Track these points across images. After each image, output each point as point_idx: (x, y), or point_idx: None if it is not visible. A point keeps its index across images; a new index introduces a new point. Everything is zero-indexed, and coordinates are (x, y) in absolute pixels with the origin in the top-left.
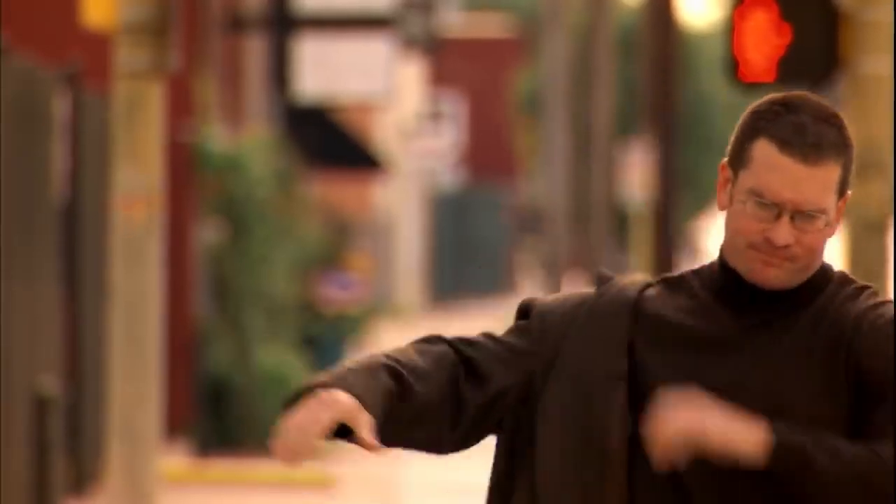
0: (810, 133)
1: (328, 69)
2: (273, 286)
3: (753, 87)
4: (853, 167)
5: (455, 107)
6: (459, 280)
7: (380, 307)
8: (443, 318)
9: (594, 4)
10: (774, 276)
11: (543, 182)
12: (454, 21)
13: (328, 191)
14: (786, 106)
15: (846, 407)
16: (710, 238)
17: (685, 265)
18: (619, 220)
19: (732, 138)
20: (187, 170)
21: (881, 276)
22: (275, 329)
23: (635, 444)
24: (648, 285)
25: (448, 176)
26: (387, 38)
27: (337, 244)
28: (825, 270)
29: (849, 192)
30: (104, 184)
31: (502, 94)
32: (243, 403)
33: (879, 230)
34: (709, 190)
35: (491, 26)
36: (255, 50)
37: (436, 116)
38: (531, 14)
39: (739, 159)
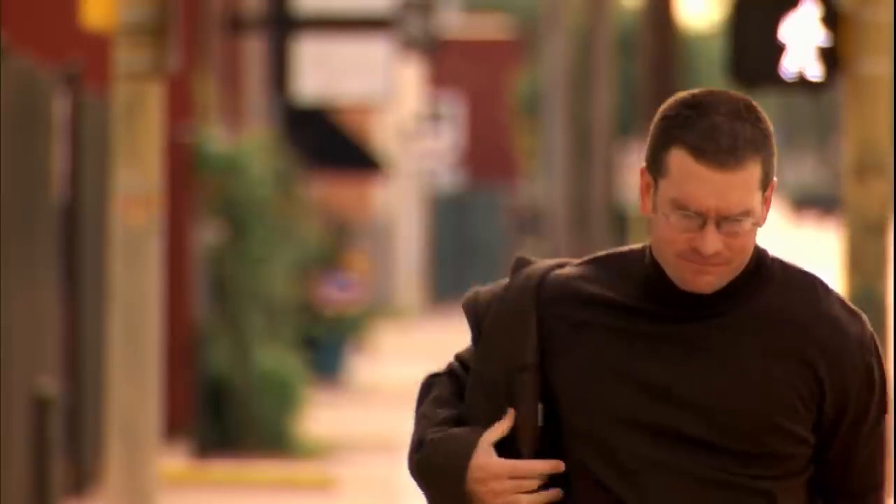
0: (724, 135)
1: (327, 70)
2: (272, 287)
3: (753, 87)
4: (775, 153)
5: (454, 108)
6: (459, 281)
7: (379, 308)
8: (442, 319)
9: (593, 6)
10: (707, 283)
11: (543, 183)
12: (453, 22)
13: (327, 192)
14: (696, 108)
15: (807, 423)
16: None
17: None
18: (619, 222)
19: (648, 143)
20: (187, 171)
21: (881, 276)
22: (274, 330)
23: (550, 436)
24: (559, 266)
25: (447, 177)
26: (386, 39)
27: (336, 245)
28: (761, 259)
29: (774, 180)
30: (104, 185)
31: (502, 95)
32: (242, 404)
33: (879, 230)
34: None
35: (490, 27)
36: (255, 51)
37: (435, 117)
38: (530, 15)
39: (657, 167)
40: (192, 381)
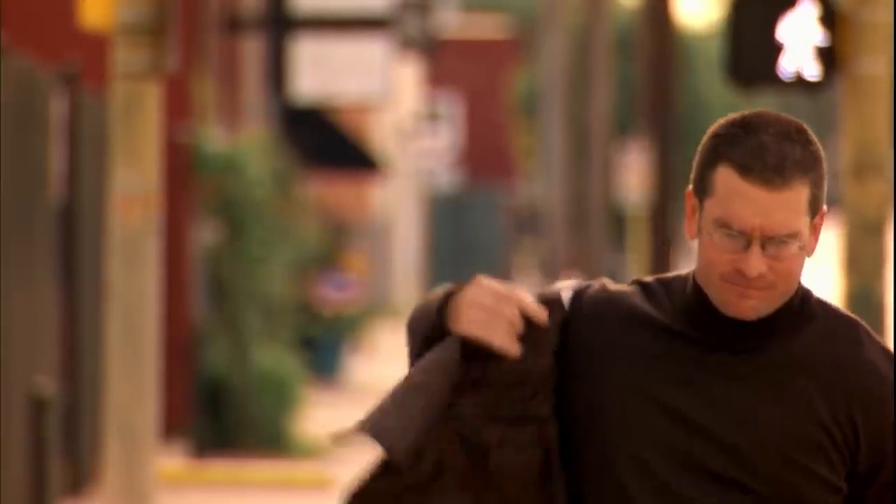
0: (772, 154)
1: (325, 70)
2: (270, 287)
3: (751, 87)
4: (825, 182)
5: (452, 108)
6: (457, 280)
7: (377, 308)
8: None
9: (591, 5)
10: (751, 307)
11: (541, 183)
12: (451, 22)
13: (325, 191)
14: (745, 127)
15: (839, 471)
16: None
17: (682, 266)
18: (617, 221)
19: (695, 164)
20: (185, 170)
21: (880, 276)
22: (272, 330)
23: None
24: (584, 290)
25: (445, 177)
26: (384, 39)
27: (334, 245)
28: (805, 298)
29: (824, 209)
30: (102, 184)
31: (500, 94)
32: (240, 404)
33: (878, 230)
34: None
35: (488, 27)
36: (253, 51)
37: (433, 117)
38: (528, 15)
39: (703, 187)
40: (189, 380)
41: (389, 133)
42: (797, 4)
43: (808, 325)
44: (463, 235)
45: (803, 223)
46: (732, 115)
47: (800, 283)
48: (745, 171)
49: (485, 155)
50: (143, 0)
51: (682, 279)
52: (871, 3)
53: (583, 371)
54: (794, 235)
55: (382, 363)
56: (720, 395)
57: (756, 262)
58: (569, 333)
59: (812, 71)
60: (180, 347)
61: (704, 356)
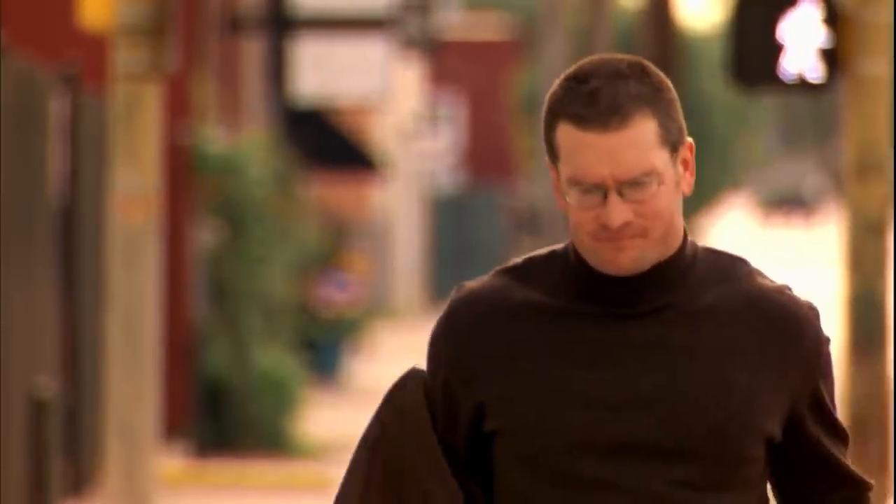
0: (604, 96)
1: (326, 70)
2: (271, 287)
3: (754, 88)
4: (676, 111)
5: (454, 108)
6: (458, 281)
7: (378, 309)
8: None
9: (593, 5)
10: (629, 259)
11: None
12: (452, 22)
13: (326, 192)
14: (576, 78)
15: (774, 415)
16: (707, 238)
17: None
18: None
19: (542, 131)
20: (185, 171)
21: (882, 276)
22: (273, 330)
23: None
24: (469, 297)
25: (447, 177)
26: (385, 39)
27: (335, 246)
28: (690, 244)
29: (688, 140)
30: (102, 185)
31: (501, 95)
32: (241, 404)
33: (879, 230)
34: (706, 190)
35: (490, 27)
36: (253, 51)
37: (434, 118)
38: (530, 14)
39: (552, 151)
40: (190, 381)
41: (390, 133)
42: (799, 6)
43: (701, 271)
44: (464, 236)
45: (658, 158)
46: (568, 69)
47: (684, 231)
48: (579, 121)
49: (486, 155)
50: (143, 0)
51: (559, 254)
52: (874, 4)
53: (483, 379)
54: (649, 173)
55: (383, 364)
56: (634, 364)
57: (617, 212)
58: (454, 356)
59: (814, 72)
60: (181, 348)
61: (604, 328)
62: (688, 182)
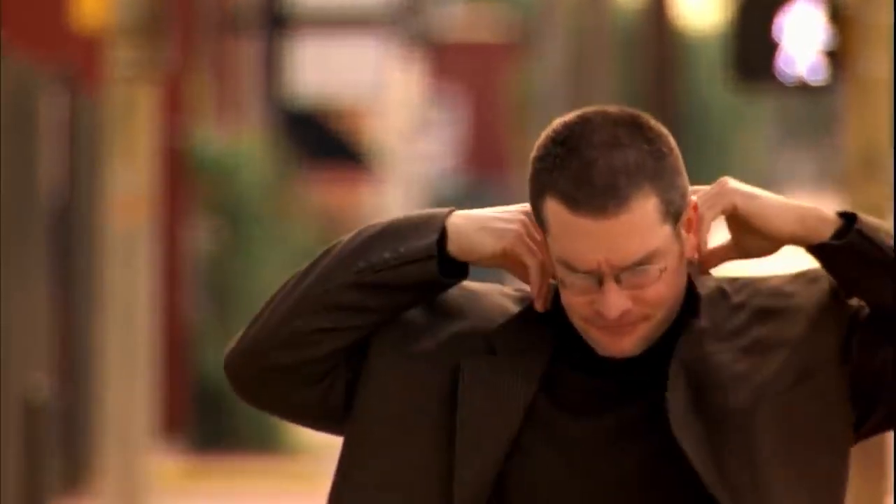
0: (599, 174)
1: (324, 70)
2: (268, 287)
3: (756, 89)
4: (679, 174)
5: (453, 108)
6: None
7: None
8: None
9: (592, 5)
10: (631, 344)
11: None
12: (453, 22)
13: (324, 192)
14: (564, 143)
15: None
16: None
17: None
18: None
19: (528, 190)
20: (181, 171)
21: None
22: None
23: None
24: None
25: (446, 177)
26: (384, 39)
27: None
28: (689, 293)
29: (691, 199)
30: (98, 185)
31: (501, 95)
32: (238, 405)
33: None
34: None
35: (490, 27)
36: (250, 51)
37: (433, 118)
38: (529, 13)
39: (540, 221)
40: (187, 380)
41: (389, 134)
42: (800, 6)
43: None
44: None
45: (659, 238)
46: (556, 124)
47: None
48: (572, 203)
49: (486, 155)
50: (140, 1)
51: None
52: (874, 4)
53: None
54: (650, 258)
55: None
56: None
57: (614, 301)
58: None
59: (815, 73)
60: (178, 347)
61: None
62: (692, 245)
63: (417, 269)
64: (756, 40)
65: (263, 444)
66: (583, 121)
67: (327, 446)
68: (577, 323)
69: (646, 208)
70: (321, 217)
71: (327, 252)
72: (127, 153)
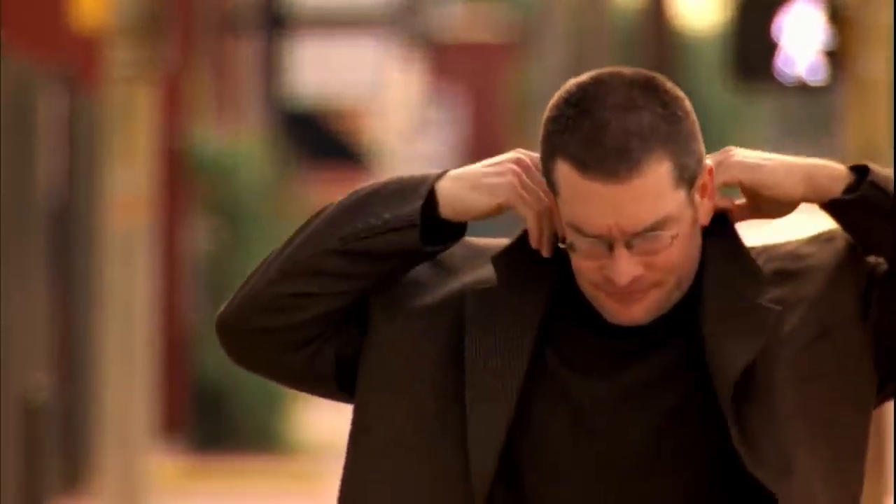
0: (611, 136)
1: (324, 70)
2: None
3: (755, 89)
4: (695, 137)
5: (453, 108)
6: None
7: None
8: None
9: (591, 6)
10: (641, 311)
11: None
12: (452, 22)
13: (323, 192)
14: (578, 105)
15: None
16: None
17: None
18: None
19: (540, 153)
20: (181, 171)
21: None
22: None
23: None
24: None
25: None
26: (384, 39)
27: None
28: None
29: (707, 164)
30: (97, 185)
31: (500, 95)
32: (237, 403)
33: None
34: None
35: (489, 27)
36: (249, 51)
37: (433, 118)
38: (530, 14)
39: (551, 185)
40: (186, 380)
41: (389, 134)
42: (800, 6)
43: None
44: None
45: (673, 203)
46: (570, 84)
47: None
48: (582, 166)
49: (486, 155)
50: (139, 1)
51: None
52: (874, 4)
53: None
54: (662, 224)
55: None
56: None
57: (625, 267)
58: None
59: (815, 73)
60: (177, 347)
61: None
62: (707, 210)
63: (399, 237)
64: (755, 40)
65: (263, 444)
66: (597, 82)
67: (327, 446)
68: (586, 288)
69: (659, 173)
70: None
71: (318, 214)
72: (126, 153)
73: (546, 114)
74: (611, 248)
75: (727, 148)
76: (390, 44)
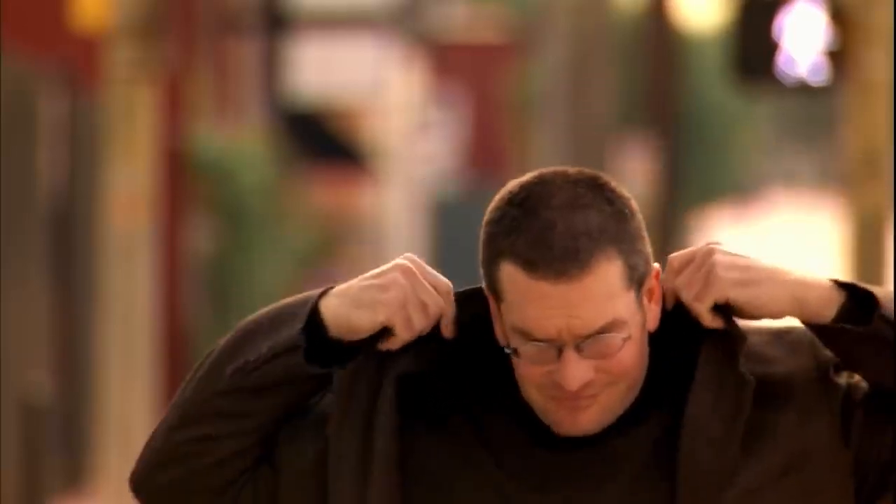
0: (559, 236)
1: (324, 70)
2: (268, 288)
3: (757, 89)
4: (642, 238)
5: (453, 108)
6: (457, 282)
7: None
8: None
9: (592, 6)
10: (589, 420)
11: None
12: (452, 22)
13: (323, 192)
14: (522, 205)
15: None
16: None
17: None
18: None
19: (480, 257)
20: (181, 172)
21: (880, 276)
22: None
23: None
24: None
25: (447, 178)
26: (385, 39)
27: (332, 246)
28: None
29: (654, 267)
30: (98, 185)
31: (501, 95)
32: None
33: (879, 230)
34: (705, 191)
35: (490, 27)
36: (250, 51)
37: (433, 118)
38: (530, 14)
39: (493, 288)
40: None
41: (390, 134)
42: (801, 7)
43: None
44: (464, 237)
45: (623, 304)
46: (511, 185)
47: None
48: (529, 266)
49: (487, 156)
50: (139, 1)
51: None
52: (874, 4)
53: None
54: (613, 325)
55: None
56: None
57: (574, 372)
58: None
59: (816, 73)
60: (178, 348)
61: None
62: (654, 315)
63: (285, 363)
64: (757, 41)
65: None
66: (541, 181)
67: None
68: (532, 395)
69: (609, 272)
70: (321, 217)
71: (209, 355)
72: (127, 153)
73: (487, 216)
74: (560, 352)
75: (705, 251)
76: (391, 44)
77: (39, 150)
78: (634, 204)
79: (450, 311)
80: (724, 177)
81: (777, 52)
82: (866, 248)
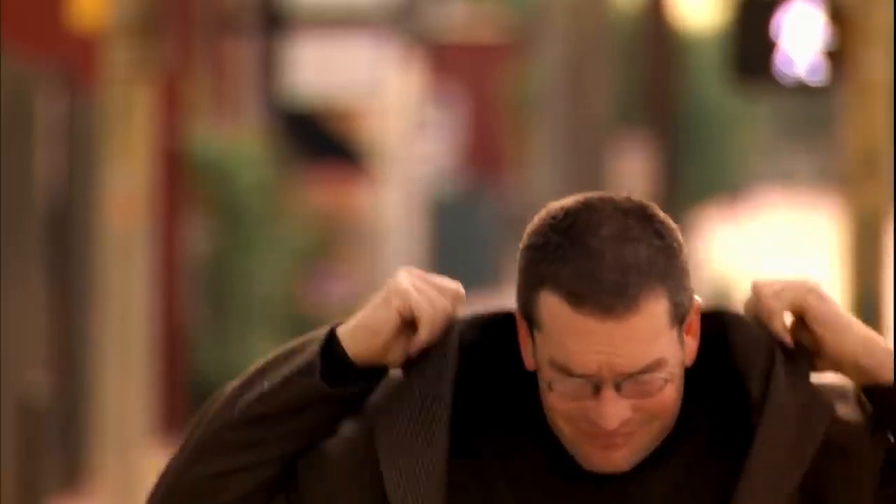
0: (608, 268)
1: (323, 70)
2: (264, 287)
3: (754, 89)
4: (687, 275)
5: (452, 108)
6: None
7: None
8: None
9: (591, 6)
10: (623, 458)
11: (542, 184)
12: (452, 22)
13: (321, 192)
14: (567, 233)
15: None
16: (707, 244)
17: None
18: None
19: (517, 281)
20: (179, 171)
21: (880, 276)
22: (266, 330)
23: None
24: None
25: (445, 179)
26: (383, 39)
27: (330, 247)
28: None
29: (696, 301)
30: (95, 185)
31: (500, 95)
32: None
33: (877, 230)
34: (703, 190)
35: (489, 27)
36: (247, 51)
37: (432, 118)
38: (529, 14)
39: (529, 316)
40: (184, 380)
41: (388, 134)
42: (800, 6)
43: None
44: (462, 237)
45: (667, 344)
46: (553, 208)
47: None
48: (575, 300)
49: (485, 156)
50: (137, 1)
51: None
52: (874, 4)
53: None
54: (656, 366)
55: None
56: None
57: (612, 410)
58: None
59: (815, 73)
60: (176, 347)
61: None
62: (691, 350)
63: (298, 386)
64: (755, 40)
65: None
66: (588, 208)
67: None
68: (561, 427)
69: (656, 311)
70: (318, 217)
71: (216, 397)
72: (124, 153)
73: (526, 240)
74: (597, 388)
75: (806, 282)
76: (389, 43)
77: (37, 150)
78: (680, 236)
79: (463, 294)
80: (722, 176)
81: (775, 52)
82: (865, 248)
